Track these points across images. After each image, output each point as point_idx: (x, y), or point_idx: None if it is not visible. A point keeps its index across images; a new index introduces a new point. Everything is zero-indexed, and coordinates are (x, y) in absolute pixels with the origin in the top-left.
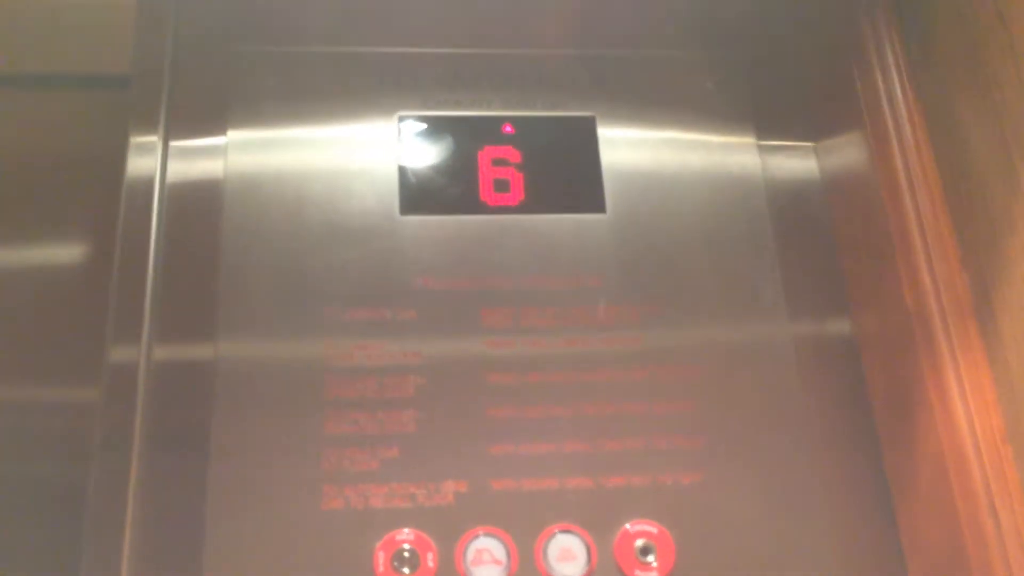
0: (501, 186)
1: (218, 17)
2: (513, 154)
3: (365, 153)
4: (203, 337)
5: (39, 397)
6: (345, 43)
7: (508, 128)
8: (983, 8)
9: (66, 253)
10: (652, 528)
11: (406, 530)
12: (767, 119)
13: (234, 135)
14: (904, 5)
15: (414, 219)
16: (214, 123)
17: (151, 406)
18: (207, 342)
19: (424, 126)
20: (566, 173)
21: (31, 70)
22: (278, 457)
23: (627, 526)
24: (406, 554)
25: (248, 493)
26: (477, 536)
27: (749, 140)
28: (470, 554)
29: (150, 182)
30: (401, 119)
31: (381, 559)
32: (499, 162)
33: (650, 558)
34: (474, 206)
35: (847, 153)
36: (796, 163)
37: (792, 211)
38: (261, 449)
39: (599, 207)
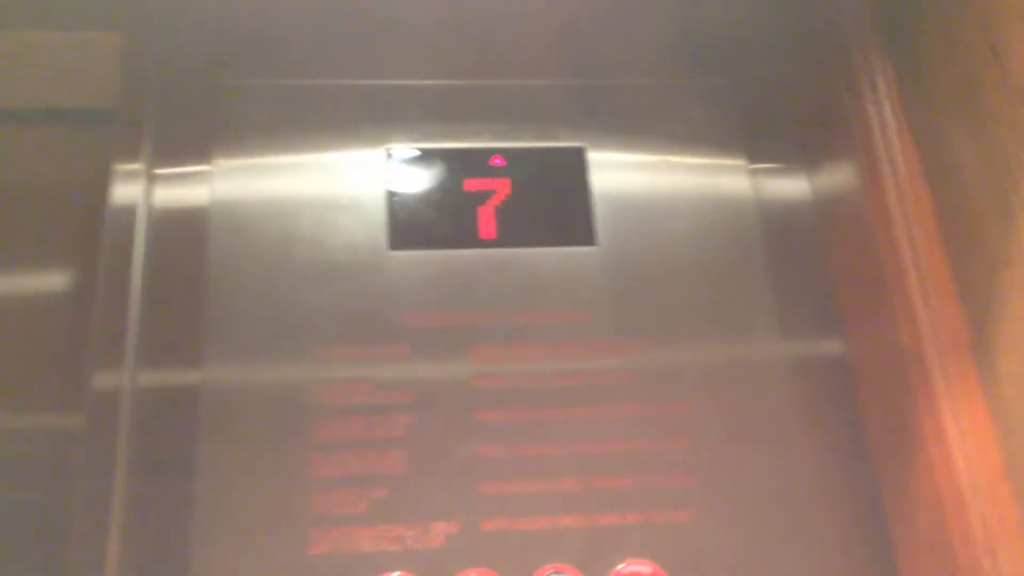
0: (491, 219)
1: (203, 50)
2: (503, 186)
3: (353, 186)
4: (188, 366)
5: (22, 423)
6: (332, 75)
7: (497, 160)
8: (975, 41)
9: (51, 281)
10: (646, 568)
11: (395, 574)
12: (759, 147)
13: (220, 166)
14: (895, 35)
15: (402, 254)
16: (199, 154)
17: (134, 434)
18: (192, 370)
19: (413, 158)
20: (556, 205)
21: (16, 105)
22: (263, 497)
23: (621, 566)
24: None
25: (233, 533)
26: None
27: (741, 164)
28: None
29: (132, 210)
30: (389, 152)
31: None
32: (488, 194)
33: None
34: (464, 240)
35: (839, 181)
36: (788, 189)
37: (785, 238)
38: (247, 485)
39: (589, 239)
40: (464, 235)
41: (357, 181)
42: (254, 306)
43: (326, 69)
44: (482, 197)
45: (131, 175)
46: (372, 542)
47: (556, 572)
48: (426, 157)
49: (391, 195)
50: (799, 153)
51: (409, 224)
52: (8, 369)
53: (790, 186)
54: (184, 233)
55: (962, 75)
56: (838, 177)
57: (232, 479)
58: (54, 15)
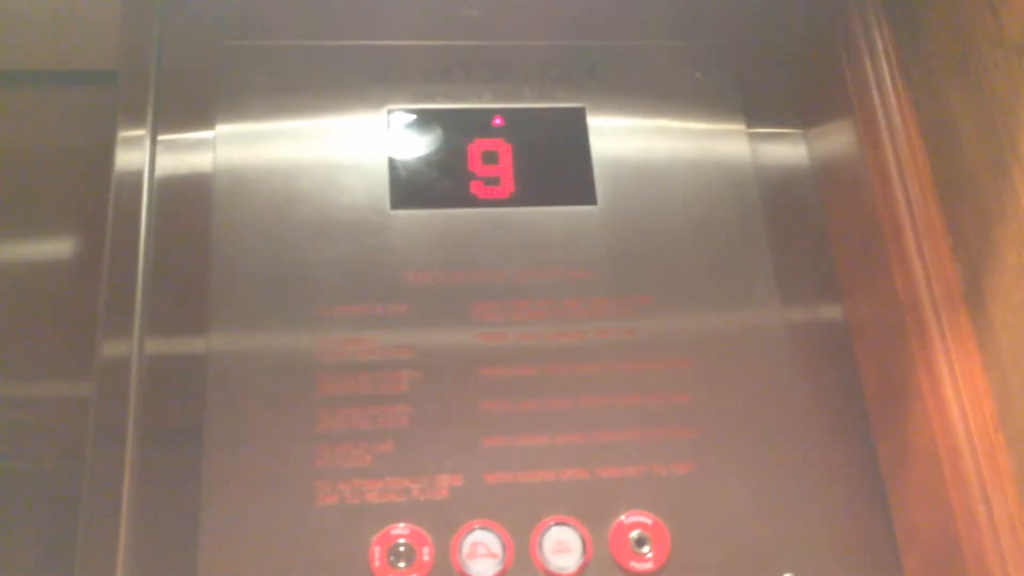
0: (492, 179)
1: (204, 11)
2: (503, 146)
3: (354, 147)
4: (194, 331)
5: (31, 393)
6: (333, 36)
7: (498, 120)
8: None
9: (56, 249)
10: (647, 519)
11: (401, 525)
12: (757, 107)
13: (223, 129)
14: None
15: (404, 213)
16: (202, 117)
17: (144, 400)
18: (198, 336)
19: (414, 119)
20: (556, 165)
21: (17, 67)
22: (272, 453)
23: (622, 517)
24: (402, 548)
25: (243, 489)
26: (472, 529)
27: (739, 128)
28: (466, 547)
29: (139, 176)
30: (390, 112)
31: (377, 554)
32: (489, 154)
33: (645, 549)
34: (465, 199)
35: (837, 140)
36: (786, 150)
37: (782, 198)
38: (254, 444)
39: (590, 199)
40: (465, 194)
41: (359, 142)
42: (258, 268)
43: (327, 30)
44: (483, 156)
45: (135, 141)
46: (379, 494)
47: (559, 523)
48: (427, 117)
49: (392, 155)
50: (797, 113)
51: (410, 184)
52: (15, 339)
53: (788, 145)
54: (188, 199)
55: (958, 31)
56: (836, 135)
57: (240, 437)
58: None
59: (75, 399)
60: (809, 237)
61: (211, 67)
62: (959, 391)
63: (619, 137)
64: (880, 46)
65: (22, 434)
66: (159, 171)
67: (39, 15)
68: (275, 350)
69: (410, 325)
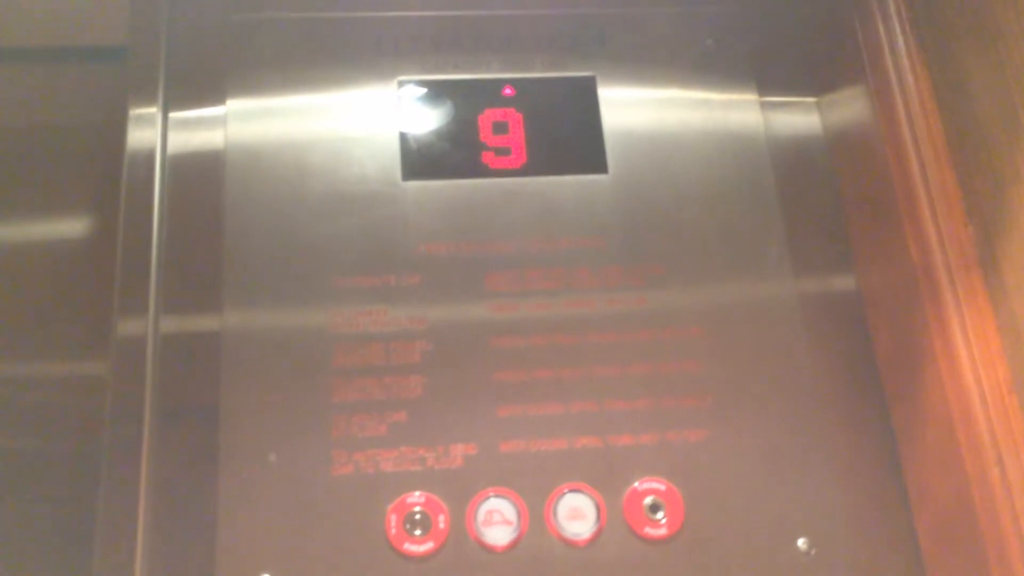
0: (503, 149)
1: None
2: (514, 116)
3: (365, 119)
4: (209, 308)
5: (48, 372)
6: (343, 8)
7: (508, 90)
8: None
9: (69, 228)
10: (660, 485)
11: (417, 493)
12: (769, 75)
13: (233, 104)
14: None
15: (416, 184)
16: (213, 92)
17: (160, 378)
18: (213, 313)
19: (424, 90)
20: (567, 134)
21: (26, 44)
22: (287, 425)
23: (636, 484)
24: (417, 516)
25: (259, 461)
26: (487, 497)
27: (751, 97)
28: (481, 515)
29: (151, 154)
30: (401, 84)
31: (393, 522)
32: (500, 124)
33: (659, 515)
34: (476, 170)
35: (850, 107)
36: (799, 119)
37: (795, 167)
38: (270, 417)
39: (601, 167)
40: (476, 164)
41: (369, 113)
42: (271, 243)
43: (336, 2)
44: (494, 126)
45: (147, 119)
46: (394, 463)
47: (573, 491)
48: (437, 88)
49: (403, 126)
50: (809, 80)
51: (421, 155)
52: (31, 319)
53: (800, 114)
54: (200, 175)
55: None
56: (848, 102)
57: (256, 410)
58: None
59: (92, 378)
60: (821, 204)
61: (220, 42)
62: (973, 355)
63: (630, 105)
64: (892, 9)
65: (40, 413)
66: (171, 148)
67: None
68: (289, 323)
69: (423, 296)
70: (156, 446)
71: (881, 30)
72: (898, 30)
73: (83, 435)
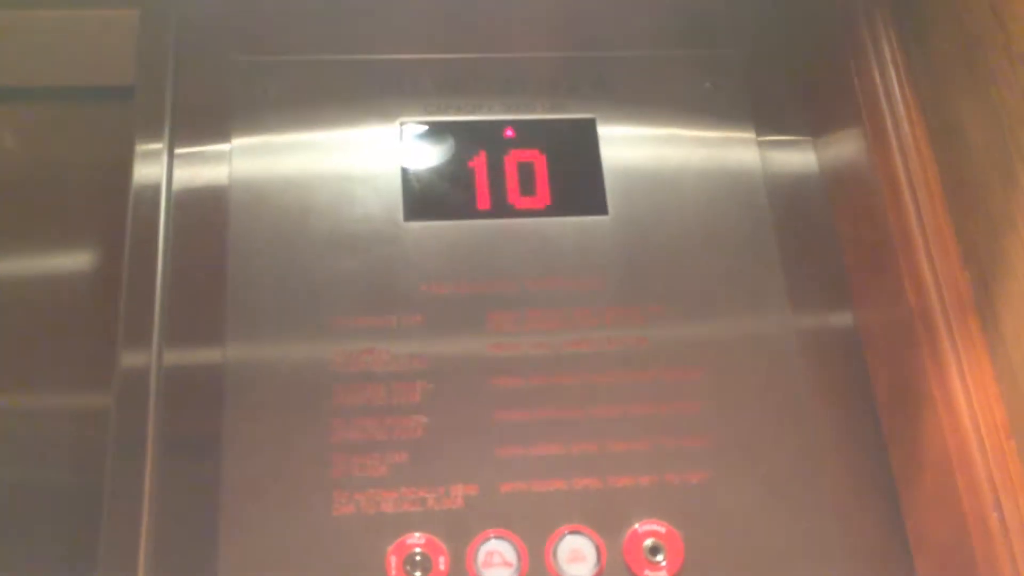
0: (503, 190)
1: (219, 27)
2: (514, 158)
3: (368, 159)
4: (212, 342)
5: (51, 404)
6: (345, 51)
7: (509, 132)
8: (979, 6)
9: (75, 262)
10: (660, 528)
11: (417, 534)
12: (767, 115)
13: (238, 142)
14: (901, 2)
15: (418, 225)
16: (218, 130)
17: (163, 411)
18: (216, 347)
19: (426, 131)
20: (568, 175)
21: (36, 83)
22: (289, 464)
23: (636, 526)
24: (418, 558)
25: (261, 500)
26: (488, 539)
27: (749, 136)
28: (481, 556)
29: (156, 189)
30: (403, 125)
31: (393, 563)
32: (500, 166)
33: (659, 557)
34: (477, 210)
35: (846, 149)
36: (796, 158)
37: (793, 208)
38: (272, 455)
39: (601, 209)
40: (477, 205)
41: (372, 154)
42: (274, 280)
43: (340, 44)
44: (495, 168)
45: (153, 155)
46: (394, 504)
47: (573, 532)
48: (439, 129)
49: (405, 167)
50: (806, 122)
51: (423, 195)
52: (36, 350)
53: (797, 154)
54: (205, 211)
55: (965, 38)
56: (845, 144)
57: (258, 447)
58: None
59: (95, 410)
60: (819, 245)
61: (226, 82)
62: (970, 399)
63: (630, 147)
64: (888, 55)
65: (42, 445)
66: (176, 184)
67: (57, 33)
68: (291, 361)
69: (424, 336)
70: (158, 479)
71: (877, 75)
72: (893, 75)
73: (85, 468)
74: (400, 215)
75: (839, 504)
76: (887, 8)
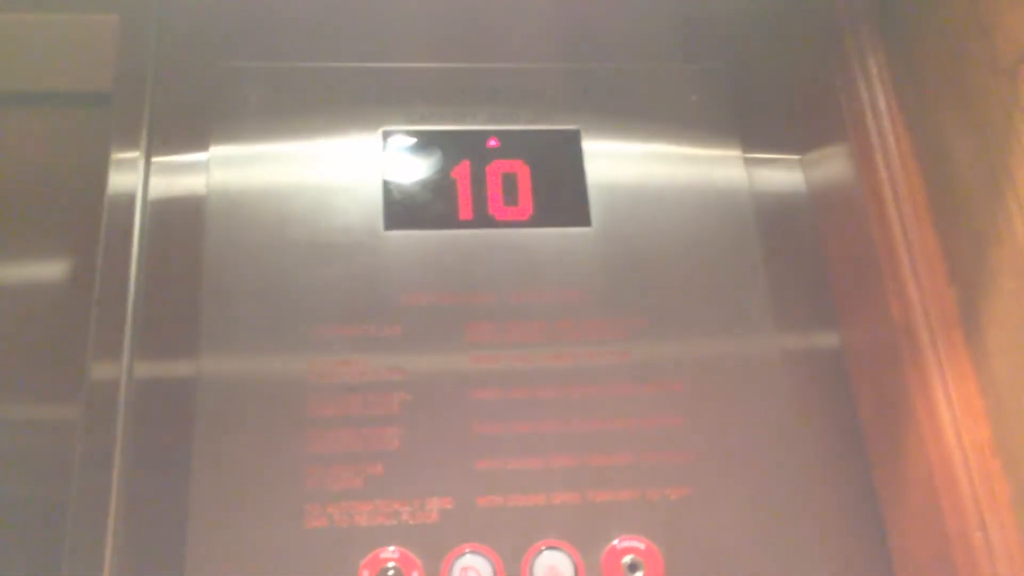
0: (485, 200)
1: (201, 32)
2: (498, 168)
3: (349, 168)
4: (185, 354)
5: (18, 415)
6: (329, 58)
7: (493, 142)
8: (965, 21)
9: (46, 271)
10: (640, 544)
11: (391, 548)
12: (752, 132)
13: (216, 151)
14: (887, 17)
15: (398, 234)
16: (196, 138)
17: (132, 424)
18: (189, 359)
19: (408, 140)
20: (551, 186)
21: (11, 88)
22: (260, 475)
23: (615, 542)
24: (391, 572)
25: (230, 512)
26: (463, 553)
27: (735, 153)
28: (456, 571)
29: (131, 198)
30: (385, 134)
31: None
32: (483, 176)
33: (638, 574)
34: (458, 220)
35: (833, 166)
36: (782, 176)
37: (779, 224)
38: (243, 468)
39: (584, 220)
40: (459, 216)
41: (353, 163)
42: (250, 290)
43: (323, 52)
44: (478, 178)
45: (129, 163)
46: (368, 517)
47: (550, 547)
48: (422, 139)
49: (386, 176)
50: (793, 138)
51: (404, 205)
52: (4, 360)
53: (784, 171)
54: (181, 221)
55: (951, 54)
56: (831, 160)
57: (229, 460)
58: None
59: (62, 422)
60: (805, 262)
61: (205, 88)
62: (955, 416)
63: (614, 159)
64: (875, 71)
65: (8, 456)
66: (152, 193)
67: (34, 36)
68: (266, 371)
69: (402, 346)
70: (125, 494)
71: (863, 91)
72: (880, 91)
73: (51, 482)
74: (380, 224)
75: (822, 522)
76: (873, 22)
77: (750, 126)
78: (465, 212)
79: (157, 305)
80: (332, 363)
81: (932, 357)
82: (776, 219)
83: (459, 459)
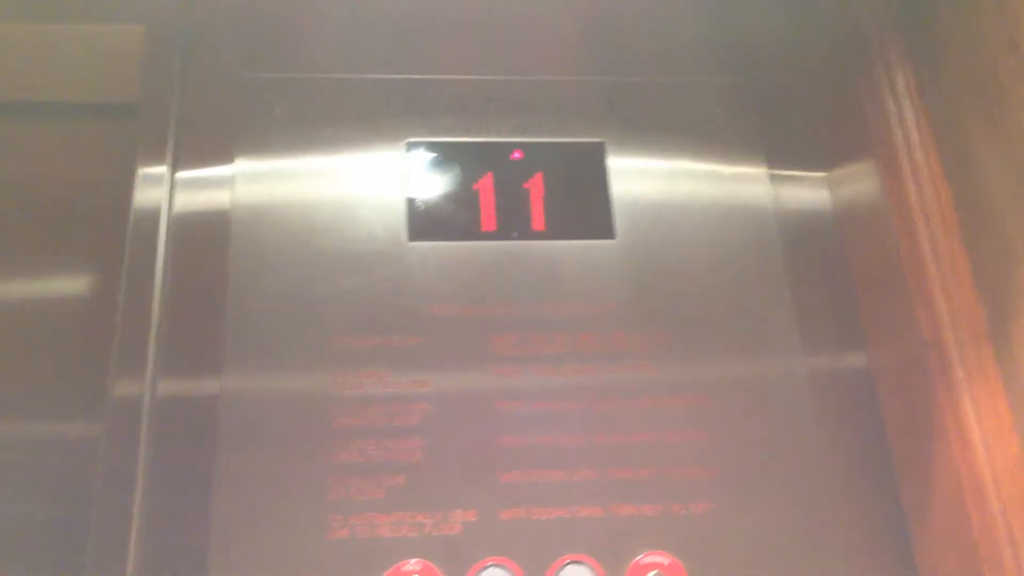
0: (510, 212)
1: (227, 44)
2: (522, 180)
3: (373, 180)
4: (209, 371)
5: (41, 433)
6: (353, 69)
7: (517, 154)
8: (993, 33)
9: (70, 285)
10: (664, 559)
11: (413, 560)
12: (778, 148)
13: (241, 164)
14: (914, 30)
15: (422, 245)
16: (222, 151)
17: (155, 442)
18: (212, 376)
19: (432, 152)
20: (575, 198)
21: (39, 98)
22: (283, 488)
23: (639, 557)
24: None
25: (252, 526)
26: (486, 567)
27: (761, 170)
28: None
29: (156, 213)
30: (409, 146)
31: None
32: (507, 188)
33: None
34: (481, 232)
35: (859, 182)
36: (808, 193)
37: (805, 242)
38: (266, 481)
39: (608, 233)
40: (482, 227)
41: (377, 174)
42: (275, 302)
43: (347, 63)
44: (501, 190)
45: (155, 179)
46: (390, 528)
47: (574, 562)
48: (445, 150)
49: (411, 187)
50: (818, 152)
51: (428, 215)
52: (26, 376)
53: (810, 188)
54: (206, 235)
55: (980, 67)
56: (858, 176)
57: (252, 475)
58: (77, 6)
59: (86, 440)
60: (831, 278)
61: (231, 100)
62: (984, 432)
63: (638, 172)
64: (901, 85)
65: (31, 475)
66: (177, 207)
67: (60, 47)
68: (290, 383)
69: (426, 357)
70: (146, 513)
71: (891, 105)
72: (907, 105)
73: (72, 501)
74: (404, 235)
75: (847, 538)
76: (900, 37)
77: (776, 141)
78: (488, 223)
79: (181, 321)
80: (356, 374)
81: (961, 372)
82: (802, 236)
83: (482, 471)
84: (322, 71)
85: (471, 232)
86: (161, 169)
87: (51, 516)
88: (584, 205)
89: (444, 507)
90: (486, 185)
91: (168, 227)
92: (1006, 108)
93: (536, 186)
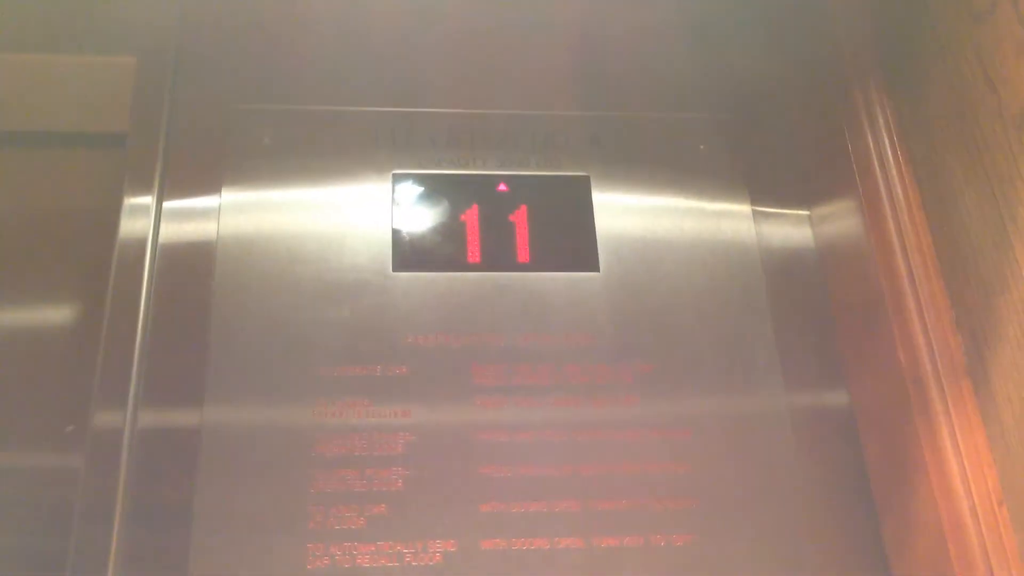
0: (494, 243)
1: (216, 75)
2: (507, 212)
3: (359, 210)
4: (190, 402)
5: (18, 464)
6: (341, 102)
7: (502, 186)
8: (972, 73)
9: (53, 314)
10: None
11: None
12: (761, 184)
13: (228, 195)
14: (895, 72)
15: (407, 276)
16: (209, 181)
17: (135, 474)
18: (194, 407)
19: (418, 184)
20: (560, 231)
21: (30, 128)
22: (263, 517)
23: None
24: None
25: (232, 555)
26: None
27: (744, 207)
28: None
29: (142, 244)
30: (396, 177)
31: None
32: (493, 220)
33: None
34: (467, 263)
35: (841, 219)
36: (791, 230)
37: (787, 278)
38: (246, 511)
39: (592, 265)
40: (467, 258)
41: (363, 205)
42: (259, 332)
43: (335, 95)
44: (486, 222)
45: (141, 209)
46: (371, 558)
47: None
48: (431, 182)
49: (396, 218)
50: (801, 190)
51: (413, 246)
52: (5, 407)
53: (792, 221)
54: (191, 266)
55: (959, 106)
56: (839, 211)
57: (232, 506)
58: (68, 37)
59: (65, 471)
60: (812, 314)
61: (220, 131)
62: (963, 465)
63: (623, 205)
64: (882, 121)
65: (7, 507)
66: (163, 238)
67: (51, 75)
68: (272, 412)
69: (409, 387)
70: (124, 546)
71: (871, 141)
72: (887, 141)
73: (51, 532)
74: (389, 265)
75: (827, 571)
76: (881, 76)
77: (759, 178)
78: (474, 255)
79: (164, 352)
80: (337, 403)
81: (940, 406)
82: (784, 272)
83: (463, 501)
84: (310, 103)
85: (456, 263)
86: (147, 199)
87: (28, 547)
88: (569, 238)
89: (424, 537)
90: (471, 217)
91: (153, 257)
92: (983, 146)
93: (521, 219)
